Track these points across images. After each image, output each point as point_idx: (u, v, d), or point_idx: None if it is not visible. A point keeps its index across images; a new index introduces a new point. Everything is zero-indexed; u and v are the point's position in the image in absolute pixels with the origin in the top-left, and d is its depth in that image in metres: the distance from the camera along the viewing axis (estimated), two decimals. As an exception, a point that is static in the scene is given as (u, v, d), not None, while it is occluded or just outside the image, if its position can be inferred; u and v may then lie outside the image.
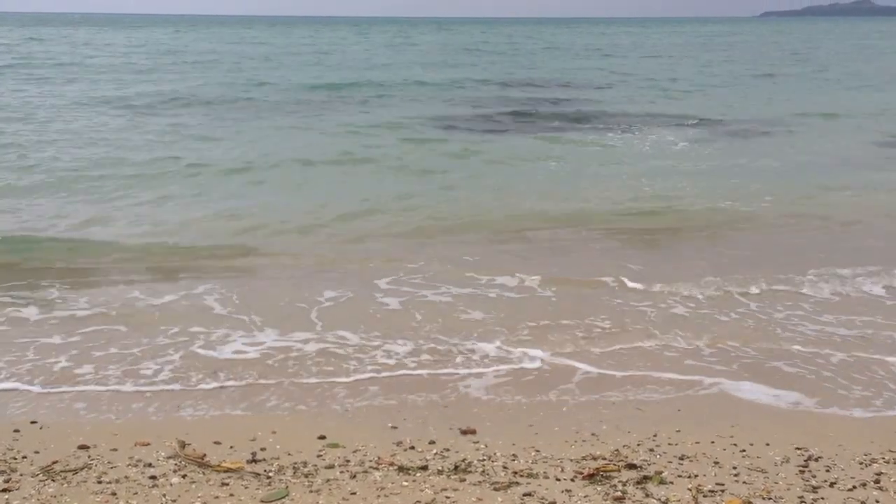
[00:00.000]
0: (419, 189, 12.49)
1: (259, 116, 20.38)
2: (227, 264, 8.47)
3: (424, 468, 4.26)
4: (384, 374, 5.84)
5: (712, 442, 4.67)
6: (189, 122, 19.30)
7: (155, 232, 9.78)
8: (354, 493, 3.94)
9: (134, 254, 8.81)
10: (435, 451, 4.53)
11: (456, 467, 4.27)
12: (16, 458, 4.37)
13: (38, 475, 4.14)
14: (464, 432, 4.82)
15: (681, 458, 4.42)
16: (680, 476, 4.18)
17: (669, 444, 4.65)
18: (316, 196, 11.91)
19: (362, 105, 23.31)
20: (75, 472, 4.20)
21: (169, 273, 8.20)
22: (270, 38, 74.53)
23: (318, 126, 19.10)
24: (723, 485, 4.06)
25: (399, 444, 4.64)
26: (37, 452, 4.46)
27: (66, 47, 49.80)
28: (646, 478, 4.13)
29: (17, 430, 4.77)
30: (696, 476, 4.17)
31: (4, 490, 3.95)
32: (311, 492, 3.96)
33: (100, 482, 4.06)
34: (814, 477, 4.17)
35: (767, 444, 4.62)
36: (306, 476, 4.15)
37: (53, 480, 4.08)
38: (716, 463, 4.37)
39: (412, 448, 4.57)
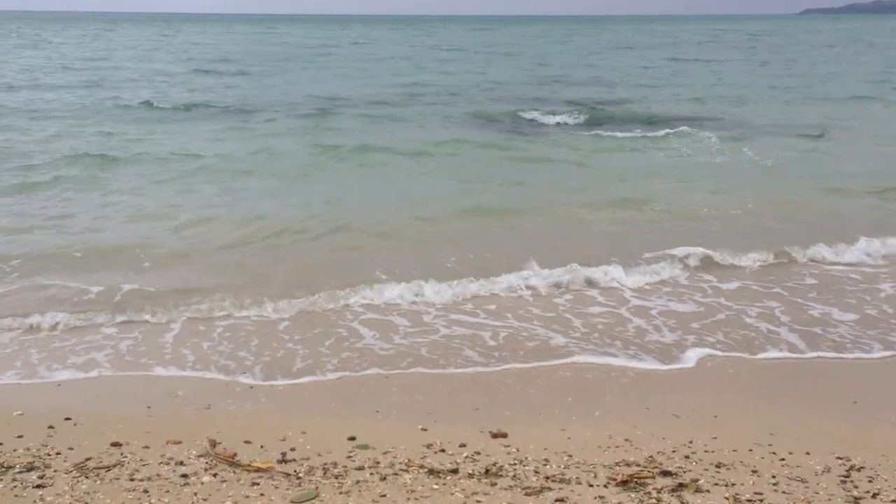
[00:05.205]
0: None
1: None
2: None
3: (455, 471, 4.21)
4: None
5: (750, 450, 4.55)
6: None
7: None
8: (384, 496, 3.90)
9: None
10: (465, 454, 4.48)
11: (487, 471, 4.21)
12: (49, 455, 4.41)
13: (71, 472, 4.17)
14: (494, 436, 4.77)
15: (717, 466, 4.32)
16: (716, 484, 4.07)
17: (706, 451, 4.55)
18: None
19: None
20: (108, 469, 4.22)
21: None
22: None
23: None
24: (761, 494, 3.95)
25: (429, 446, 4.60)
26: (70, 449, 4.50)
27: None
28: (681, 485, 4.03)
29: (51, 427, 4.82)
30: (733, 485, 4.06)
31: (39, 486, 3.98)
32: (340, 493, 3.93)
33: (132, 479, 4.07)
34: (856, 487, 4.04)
35: (808, 453, 4.49)
36: (336, 477, 4.13)
37: (87, 477, 4.10)
38: (754, 471, 4.25)
39: (442, 451, 4.53)
